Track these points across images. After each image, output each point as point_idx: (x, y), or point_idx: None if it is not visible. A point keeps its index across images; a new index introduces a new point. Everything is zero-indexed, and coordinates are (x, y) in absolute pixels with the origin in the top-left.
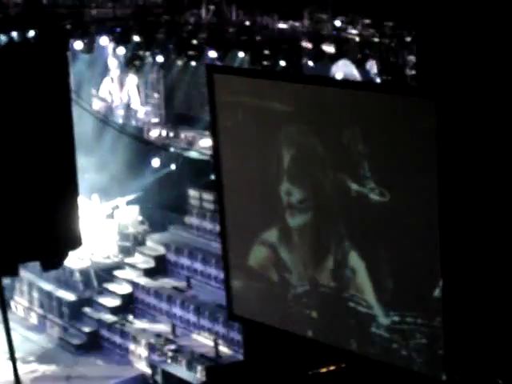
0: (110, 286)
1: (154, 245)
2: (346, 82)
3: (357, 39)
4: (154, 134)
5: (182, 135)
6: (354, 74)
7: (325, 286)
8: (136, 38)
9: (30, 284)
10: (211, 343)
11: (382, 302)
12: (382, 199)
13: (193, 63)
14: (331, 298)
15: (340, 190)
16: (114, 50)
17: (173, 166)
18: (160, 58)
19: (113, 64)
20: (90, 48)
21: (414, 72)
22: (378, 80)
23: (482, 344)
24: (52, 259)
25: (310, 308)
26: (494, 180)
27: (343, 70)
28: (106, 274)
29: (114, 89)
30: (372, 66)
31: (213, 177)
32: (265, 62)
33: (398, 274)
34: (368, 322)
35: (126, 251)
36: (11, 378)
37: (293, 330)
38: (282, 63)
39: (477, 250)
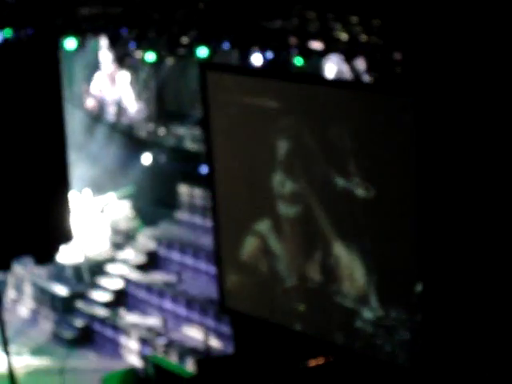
0: (102, 281)
1: (146, 240)
2: (332, 81)
3: (345, 37)
4: (144, 130)
5: (173, 132)
6: (345, 71)
7: (312, 280)
8: (127, 36)
9: (23, 279)
10: (202, 337)
11: (366, 297)
12: (367, 194)
13: (183, 60)
14: (318, 292)
15: (327, 185)
16: (106, 47)
17: (162, 159)
18: (151, 56)
19: (104, 61)
20: (82, 46)
21: (400, 70)
22: (367, 77)
23: (467, 337)
24: (44, 253)
25: (298, 301)
26: (473, 178)
27: (335, 66)
28: (97, 268)
29: (105, 86)
30: (361, 64)
31: (203, 170)
32: (254, 61)
33: (382, 269)
34: (353, 316)
35: (118, 246)
36: (5, 370)
37: (282, 323)
38: (272, 61)
39: (457, 245)
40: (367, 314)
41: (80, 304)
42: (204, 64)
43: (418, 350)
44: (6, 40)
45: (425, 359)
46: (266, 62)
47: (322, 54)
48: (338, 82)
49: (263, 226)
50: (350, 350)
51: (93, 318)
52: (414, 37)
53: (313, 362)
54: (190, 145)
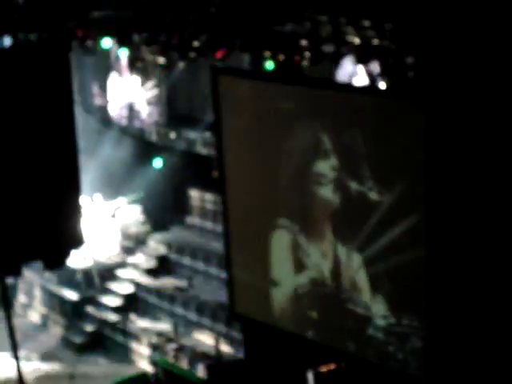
0: (112, 286)
1: (156, 245)
2: (344, 85)
3: (357, 41)
4: (155, 134)
5: (184, 136)
6: (360, 75)
7: (325, 287)
8: (138, 40)
9: (33, 283)
10: (212, 342)
11: (379, 304)
12: (380, 199)
13: (194, 65)
14: (330, 299)
15: (342, 190)
16: (117, 51)
17: (172, 163)
18: (162, 60)
19: (116, 65)
20: (92, 50)
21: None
22: (381, 82)
23: (479, 345)
24: (54, 258)
25: (311, 308)
26: (485, 183)
27: (349, 70)
28: (108, 273)
29: (117, 89)
30: (375, 68)
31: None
32: (266, 65)
33: (395, 276)
34: (365, 323)
35: (128, 251)
36: (15, 375)
37: (293, 330)
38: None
39: (470, 251)
40: (379, 321)
41: (90, 309)
42: (216, 68)
43: (430, 359)
44: (16, 43)
45: (437, 368)
46: (278, 66)
47: (334, 58)
48: (350, 87)
49: (274, 232)
50: (361, 357)
51: (103, 322)
52: (427, 41)
53: (324, 368)
54: (202, 149)
